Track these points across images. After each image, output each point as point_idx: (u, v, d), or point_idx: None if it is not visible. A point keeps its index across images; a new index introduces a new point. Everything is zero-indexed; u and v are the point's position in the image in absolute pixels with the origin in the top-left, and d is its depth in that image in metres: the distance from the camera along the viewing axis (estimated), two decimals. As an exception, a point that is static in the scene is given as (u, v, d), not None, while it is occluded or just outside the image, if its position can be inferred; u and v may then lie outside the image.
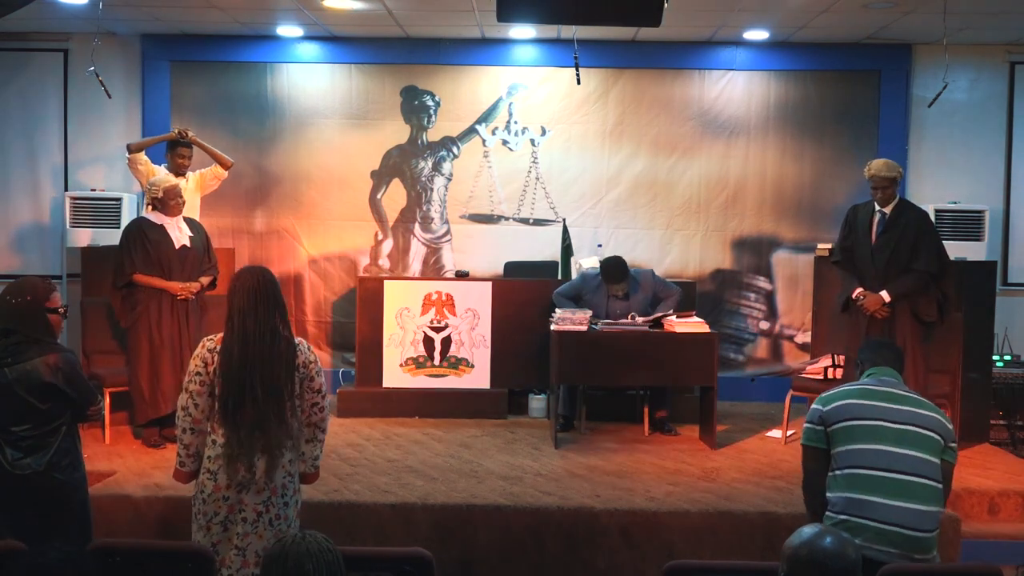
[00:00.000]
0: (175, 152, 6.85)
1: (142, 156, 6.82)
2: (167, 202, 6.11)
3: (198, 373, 3.55)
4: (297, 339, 3.64)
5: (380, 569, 3.11)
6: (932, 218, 7.60)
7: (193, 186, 6.90)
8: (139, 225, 6.14)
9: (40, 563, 2.36)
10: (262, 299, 3.54)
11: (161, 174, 6.64)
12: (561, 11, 5.63)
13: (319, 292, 8.22)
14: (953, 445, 3.55)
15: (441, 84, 8.22)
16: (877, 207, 5.89)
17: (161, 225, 6.12)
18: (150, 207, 6.17)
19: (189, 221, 6.31)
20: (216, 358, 3.52)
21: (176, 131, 6.89)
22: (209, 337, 3.62)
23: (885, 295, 5.77)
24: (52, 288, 3.97)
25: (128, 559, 3.08)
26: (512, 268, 7.91)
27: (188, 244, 6.19)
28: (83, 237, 7.50)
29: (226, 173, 7.13)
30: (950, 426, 3.57)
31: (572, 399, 6.83)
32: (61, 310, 3.97)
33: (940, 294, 5.80)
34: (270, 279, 3.61)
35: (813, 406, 3.65)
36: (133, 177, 7.11)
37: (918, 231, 5.79)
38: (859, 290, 5.86)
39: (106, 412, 6.17)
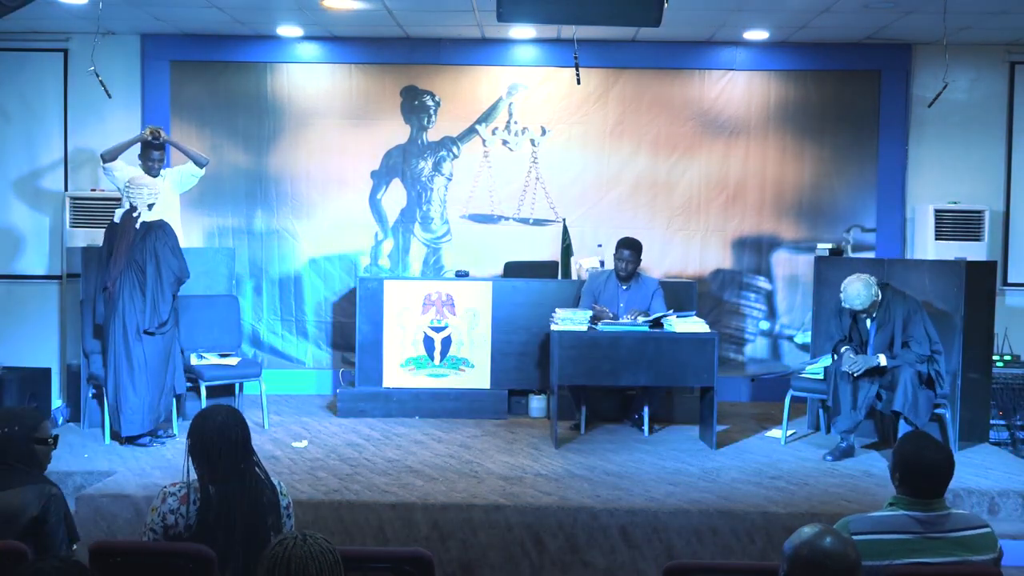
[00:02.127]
0: (147, 155, 6.58)
1: (118, 161, 6.59)
2: (153, 206, 6.26)
3: (152, 531, 3.21)
4: (275, 480, 3.35)
5: (380, 569, 3.10)
6: (932, 218, 7.67)
7: (169, 184, 6.74)
8: (170, 227, 6.26)
9: (38, 569, 2.33)
10: (234, 443, 3.22)
11: (137, 174, 6.46)
12: (561, 11, 5.63)
13: (319, 292, 8.22)
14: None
15: (441, 84, 8.21)
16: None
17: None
18: (139, 210, 6.17)
19: None
20: (180, 522, 3.17)
21: (148, 132, 6.60)
22: (171, 492, 3.24)
23: (883, 358, 5.95)
24: (40, 419, 3.64)
25: (128, 559, 3.07)
26: (512, 268, 7.89)
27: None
28: (83, 237, 7.50)
29: (202, 171, 6.87)
30: (997, 551, 3.10)
31: (579, 400, 6.82)
32: (50, 441, 3.60)
33: (935, 372, 6.00)
34: (236, 421, 3.27)
35: (842, 530, 3.03)
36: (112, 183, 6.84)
37: (906, 320, 5.99)
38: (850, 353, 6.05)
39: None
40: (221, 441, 3.21)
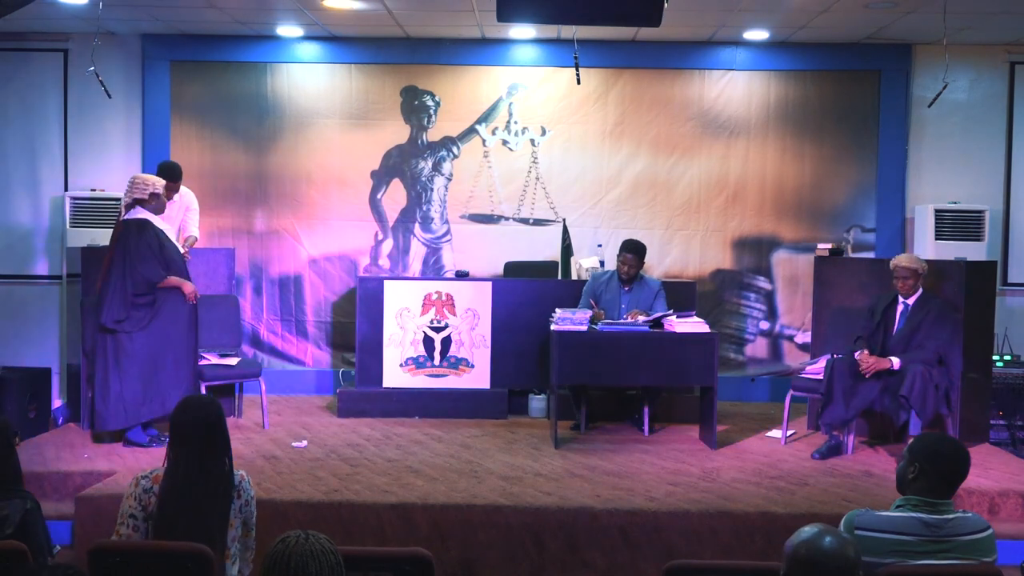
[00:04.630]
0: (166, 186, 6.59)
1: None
2: (162, 199, 6.06)
3: (132, 516, 3.35)
4: (239, 474, 3.51)
5: (380, 569, 3.10)
6: (932, 218, 7.67)
7: (179, 206, 6.85)
8: (151, 227, 5.97)
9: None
10: (207, 441, 3.38)
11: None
12: (561, 11, 5.64)
13: (319, 292, 8.22)
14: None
15: (441, 84, 8.22)
16: (900, 298, 6.13)
17: (163, 228, 6.10)
18: (137, 206, 6.00)
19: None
20: (153, 500, 3.35)
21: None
22: (144, 475, 3.42)
23: (896, 361, 5.92)
24: (9, 423, 3.54)
25: (128, 559, 3.08)
26: (512, 268, 7.90)
27: (182, 247, 6.22)
28: (83, 237, 7.50)
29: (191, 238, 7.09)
30: (994, 554, 3.13)
31: (579, 400, 6.82)
32: (17, 441, 3.50)
33: (946, 392, 5.97)
34: (214, 404, 3.46)
35: (847, 522, 3.10)
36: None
37: (938, 318, 6.02)
38: (864, 353, 6.01)
39: None
40: (199, 419, 3.40)
